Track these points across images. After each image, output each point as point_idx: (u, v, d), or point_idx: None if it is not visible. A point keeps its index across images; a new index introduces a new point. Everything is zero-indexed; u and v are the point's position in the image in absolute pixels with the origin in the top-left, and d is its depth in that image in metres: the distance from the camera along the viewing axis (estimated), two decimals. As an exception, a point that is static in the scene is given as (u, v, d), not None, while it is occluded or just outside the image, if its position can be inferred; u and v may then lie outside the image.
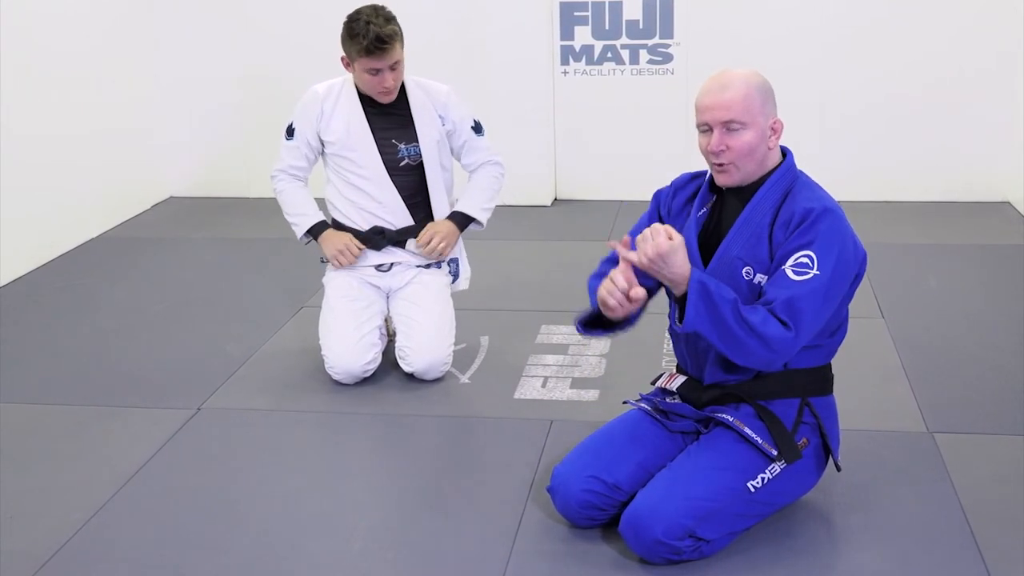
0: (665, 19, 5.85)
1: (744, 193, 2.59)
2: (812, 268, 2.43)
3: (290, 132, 3.66)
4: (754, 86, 2.52)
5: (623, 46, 5.93)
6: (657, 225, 2.46)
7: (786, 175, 2.58)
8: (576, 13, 5.90)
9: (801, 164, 2.66)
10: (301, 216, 3.71)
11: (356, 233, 3.66)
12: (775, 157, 2.60)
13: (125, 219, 5.94)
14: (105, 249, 5.44)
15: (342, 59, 3.51)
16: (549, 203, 6.10)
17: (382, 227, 3.65)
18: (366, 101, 3.59)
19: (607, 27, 5.91)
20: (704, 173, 2.70)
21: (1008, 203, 5.78)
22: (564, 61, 5.99)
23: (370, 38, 3.37)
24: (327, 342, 3.63)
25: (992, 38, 5.60)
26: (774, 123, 2.55)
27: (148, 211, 6.16)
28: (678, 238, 2.44)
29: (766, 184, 2.56)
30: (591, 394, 3.52)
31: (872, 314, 4.15)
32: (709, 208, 2.66)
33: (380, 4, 3.51)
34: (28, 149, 5.05)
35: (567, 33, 5.94)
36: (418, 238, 3.65)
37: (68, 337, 4.20)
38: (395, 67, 3.47)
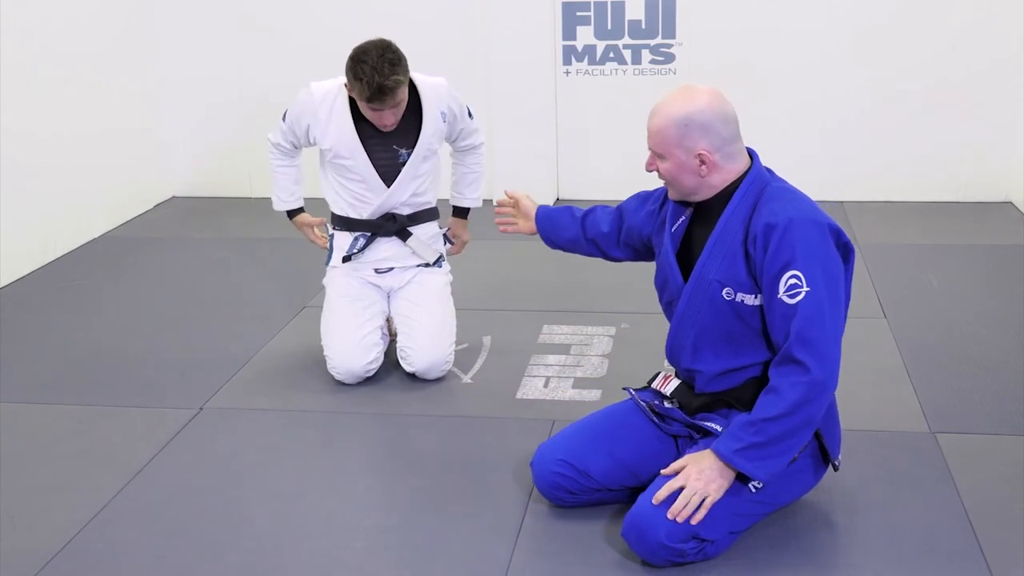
0: (667, 19, 5.85)
1: (712, 208, 2.55)
2: (802, 286, 2.37)
3: (285, 118, 3.65)
4: (674, 119, 2.46)
5: (625, 46, 5.93)
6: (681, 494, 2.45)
7: (752, 187, 2.50)
8: (578, 13, 5.90)
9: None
10: (283, 201, 3.80)
11: (365, 222, 3.63)
12: (726, 177, 2.50)
13: (128, 219, 5.94)
14: (107, 249, 5.44)
15: (345, 85, 3.40)
16: (551, 203, 6.09)
17: (393, 213, 3.63)
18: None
19: (609, 27, 5.91)
20: None
21: (1010, 203, 5.77)
22: (566, 61, 5.99)
23: (373, 88, 3.28)
24: (329, 342, 3.64)
25: (993, 38, 5.60)
26: (701, 155, 2.46)
27: (151, 211, 6.17)
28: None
29: (732, 200, 2.50)
30: (593, 394, 3.52)
31: (874, 314, 4.15)
32: (687, 219, 2.64)
33: (387, 43, 3.34)
34: (30, 149, 5.06)
35: (569, 33, 5.94)
36: (450, 250, 3.88)
37: (70, 337, 4.20)
38: (397, 106, 3.40)
